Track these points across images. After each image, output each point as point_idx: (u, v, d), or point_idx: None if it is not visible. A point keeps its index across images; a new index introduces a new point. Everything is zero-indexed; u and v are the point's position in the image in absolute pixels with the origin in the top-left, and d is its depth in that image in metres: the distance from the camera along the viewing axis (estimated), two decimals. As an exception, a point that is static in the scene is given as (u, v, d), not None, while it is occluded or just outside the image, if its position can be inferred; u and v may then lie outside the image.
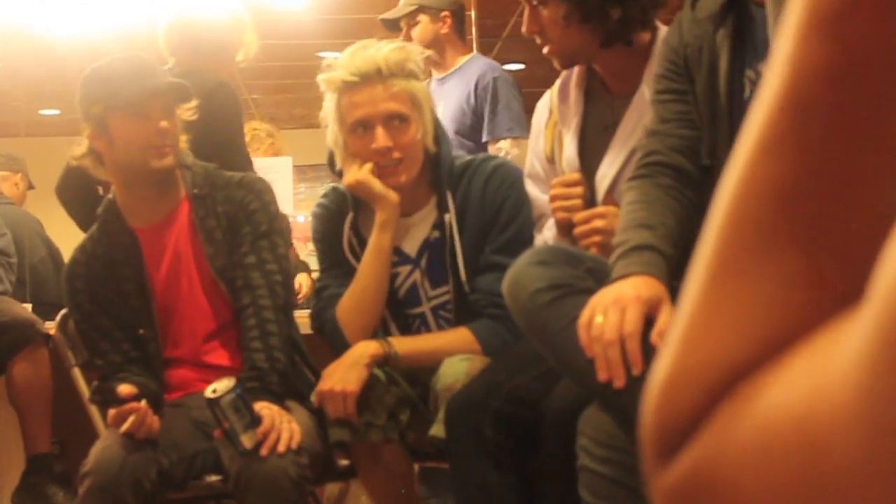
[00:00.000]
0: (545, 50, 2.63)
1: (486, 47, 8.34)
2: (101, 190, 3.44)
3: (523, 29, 2.65)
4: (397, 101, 2.71)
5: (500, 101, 4.54)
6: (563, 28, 2.57)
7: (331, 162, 2.85)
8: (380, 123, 2.70)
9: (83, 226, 3.25)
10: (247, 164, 3.52)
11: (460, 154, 2.99)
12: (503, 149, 4.41)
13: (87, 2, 6.47)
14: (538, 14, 2.59)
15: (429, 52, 2.84)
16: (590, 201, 2.59)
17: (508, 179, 2.81)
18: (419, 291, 2.85)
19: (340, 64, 2.72)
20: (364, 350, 2.68)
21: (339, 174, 2.82)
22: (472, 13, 6.45)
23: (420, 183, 2.80)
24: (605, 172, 2.58)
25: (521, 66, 10.25)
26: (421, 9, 4.69)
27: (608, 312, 1.86)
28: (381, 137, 2.69)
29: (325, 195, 2.95)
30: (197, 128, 3.39)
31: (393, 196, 2.73)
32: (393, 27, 4.79)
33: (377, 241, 2.76)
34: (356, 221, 2.85)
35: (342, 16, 7.40)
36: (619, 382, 1.83)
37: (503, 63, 10.19)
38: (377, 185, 2.72)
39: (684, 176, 2.18)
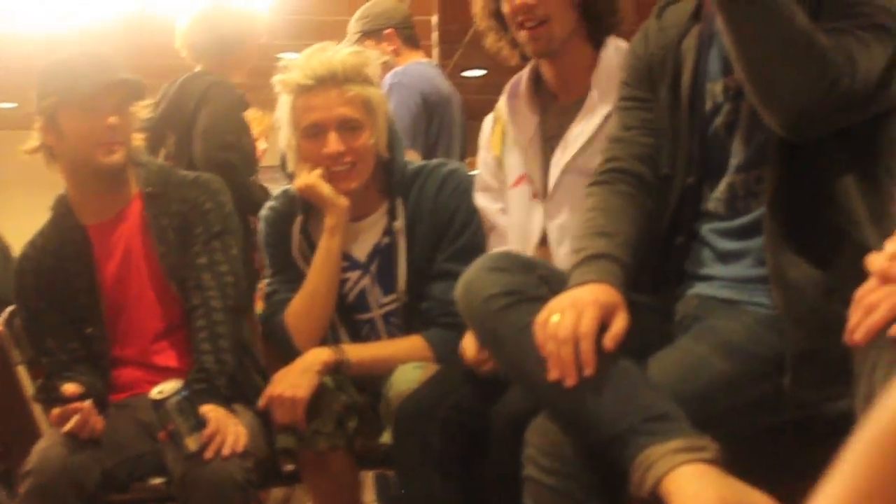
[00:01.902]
0: (525, 32, 2.59)
1: (448, 52, 8.33)
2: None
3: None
4: (352, 106, 2.69)
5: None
6: (564, 3, 2.59)
7: (283, 164, 2.83)
8: (333, 128, 2.68)
9: None
10: (218, 154, 3.63)
11: (412, 160, 2.97)
12: None
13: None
14: None
15: (386, 58, 2.83)
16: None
17: (461, 186, 2.80)
18: (368, 297, 2.83)
19: (297, 66, 2.70)
20: (316, 357, 2.66)
21: (291, 177, 2.80)
22: (435, 18, 6.45)
23: (371, 188, 2.79)
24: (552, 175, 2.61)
25: (482, 72, 10.27)
26: (364, 35, 4.62)
27: (565, 313, 1.87)
28: (333, 142, 2.68)
29: (275, 198, 2.93)
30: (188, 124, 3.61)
31: (342, 201, 2.71)
32: None
33: (326, 246, 2.74)
34: (306, 225, 2.83)
35: (303, 16, 7.38)
36: (571, 381, 1.83)
37: (464, 69, 10.21)
38: (327, 189, 2.70)
39: (644, 184, 2.18)
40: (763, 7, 1.86)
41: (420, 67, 4.60)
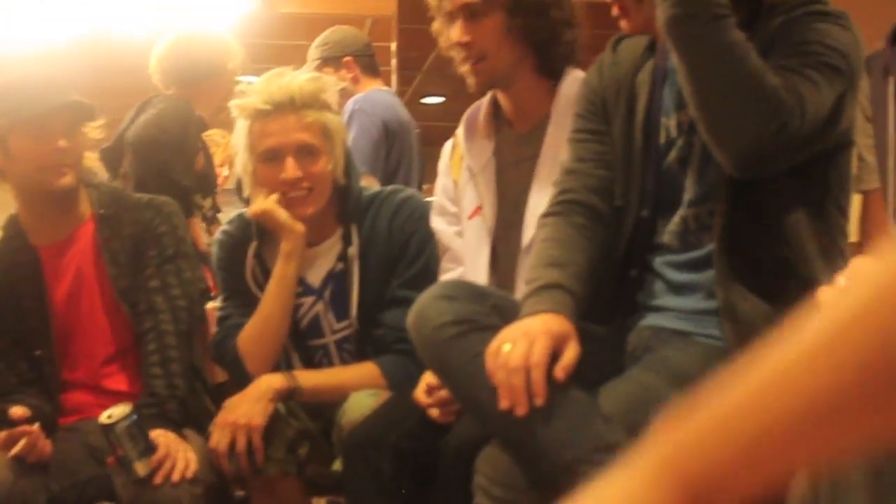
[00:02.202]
0: (466, 67, 2.61)
1: (407, 79, 8.34)
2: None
3: (455, 36, 2.61)
4: (309, 132, 2.68)
5: (349, 136, 4.45)
6: (503, 37, 2.58)
7: (239, 188, 2.82)
8: (290, 153, 2.67)
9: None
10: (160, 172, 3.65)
11: (368, 186, 2.97)
12: None
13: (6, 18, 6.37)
14: (479, 23, 2.58)
15: (344, 84, 2.82)
16: (516, 242, 2.59)
17: (416, 213, 2.80)
18: (322, 323, 2.82)
19: (254, 91, 2.69)
20: (269, 384, 2.63)
21: (247, 201, 2.79)
22: (394, 45, 6.47)
23: (327, 214, 2.78)
24: (533, 217, 2.60)
25: (440, 100, 10.29)
26: (324, 62, 4.67)
27: (517, 342, 1.88)
28: (290, 168, 2.66)
29: (230, 222, 2.92)
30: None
31: (298, 227, 2.70)
32: None
33: (281, 272, 2.72)
34: (260, 250, 2.82)
35: (262, 40, 7.37)
36: (522, 410, 1.84)
37: (422, 96, 10.23)
38: (283, 214, 2.69)
39: (597, 216, 2.19)
40: (716, 46, 1.89)
41: (381, 95, 4.64)
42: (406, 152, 4.51)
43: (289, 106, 2.67)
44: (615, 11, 2.10)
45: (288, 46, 7.05)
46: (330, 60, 4.65)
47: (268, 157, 2.69)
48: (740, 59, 1.88)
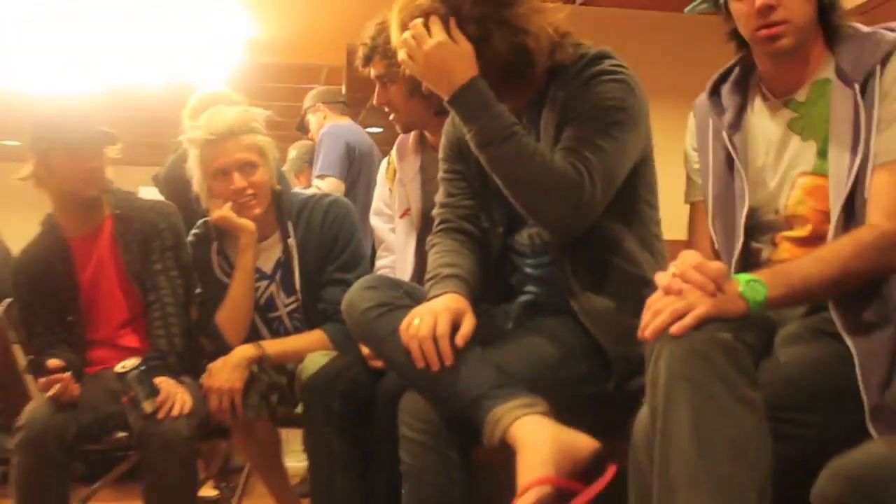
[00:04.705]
0: (391, 117, 2.65)
1: (354, 114, 8.28)
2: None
3: (374, 101, 2.66)
4: (248, 151, 2.67)
5: (321, 152, 4.53)
6: (406, 100, 2.59)
7: (198, 201, 2.80)
8: (235, 169, 2.66)
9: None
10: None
11: (303, 192, 2.95)
12: (316, 186, 4.44)
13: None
14: (387, 89, 2.61)
15: (268, 112, 2.81)
16: None
17: (341, 213, 2.79)
18: (276, 300, 2.80)
19: (200, 126, 2.69)
20: (243, 353, 2.63)
21: (206, 212, 2.78)
22: (344, 87, 6.44)
23: (268, 215, 2.76)
24: None
25: (380, 130, 10.27)
26: (306, 111, 5.01)
27: (424, 317, 1.89)
28: (237, 180, 2.66)
29: (197, 226, 2.89)
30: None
31: (250, 225, 2.70)
32: (306, 131, 5.16)
33: (242, 262, 2.72)
34: (222, 247, 2.81)
35: (249, 83, 7.31)
36: (436, 367, 1.86)
37: (366, 126, 10.18)
38: (237, 218, 2.69)
39: (470, 236, 2.19)
40: (512, 160, 1.90)
41: (347, 124, 4.80)
42: (367, 167, 4.56)
43: (228, 134, 2.66)
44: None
45: (269, 88, 7.01)
46: (310, 108, 4.99)
47: (218, 175, 2.68)
48: (532, 163, 1.88)
